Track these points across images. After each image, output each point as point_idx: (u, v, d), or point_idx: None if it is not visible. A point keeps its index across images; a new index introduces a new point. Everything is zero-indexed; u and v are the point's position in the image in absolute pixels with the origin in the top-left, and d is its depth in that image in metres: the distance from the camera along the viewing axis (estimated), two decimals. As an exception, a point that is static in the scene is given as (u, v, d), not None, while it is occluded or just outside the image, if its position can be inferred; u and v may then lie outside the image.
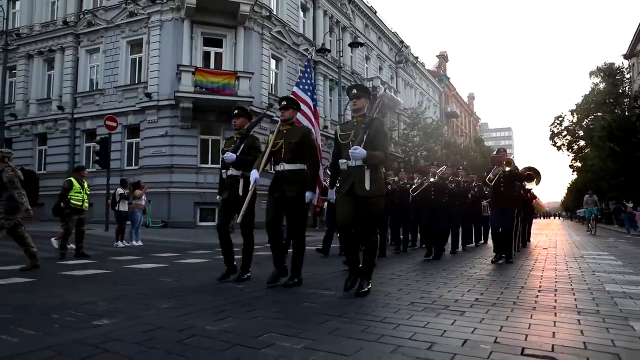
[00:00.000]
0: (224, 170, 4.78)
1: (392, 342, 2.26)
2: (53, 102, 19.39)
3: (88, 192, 7.67)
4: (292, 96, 5.04)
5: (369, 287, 3.87)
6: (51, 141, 19.52)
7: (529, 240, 11.44)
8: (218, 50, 17.66)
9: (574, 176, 46.85)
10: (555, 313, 3.06)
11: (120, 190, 9.83)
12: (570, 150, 40.69)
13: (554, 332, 2.55)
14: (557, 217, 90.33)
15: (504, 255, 6.62)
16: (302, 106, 5.68)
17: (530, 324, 2.75)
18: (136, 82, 17.84)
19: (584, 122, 37.52)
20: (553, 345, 2.29)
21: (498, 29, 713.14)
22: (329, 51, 20.67)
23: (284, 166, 4.31)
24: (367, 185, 3.77)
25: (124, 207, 9.71)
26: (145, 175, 15.72)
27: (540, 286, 4.35)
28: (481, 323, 2.73)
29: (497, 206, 6.83)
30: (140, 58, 17.95)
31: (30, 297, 3.53)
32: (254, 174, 4.28)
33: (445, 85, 47.38)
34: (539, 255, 8.22)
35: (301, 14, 22.38)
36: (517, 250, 7.97)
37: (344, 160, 3.91)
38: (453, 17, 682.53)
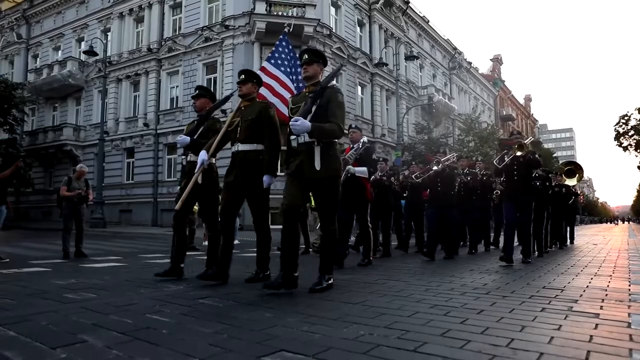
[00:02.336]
0: (183, 157, 4.55)
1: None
2: (139, 119, 21.80)
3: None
4: (251, 70, 4.43)
5: (329, 282, 3.48)
6: (138, 154, 21.93)
7: (572, 242, 10.75)
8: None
9: (643, 178, 44.47)
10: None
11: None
12: (638, 150, 38.97)
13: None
14: (625, 222, 80.00)
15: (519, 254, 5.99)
16: (270, 81, 5.31)
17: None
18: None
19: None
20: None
21: (556, 28, 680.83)
22: (386, 64, 21.75)
23: (239, 147, 3.86)
24: (317, 164, 3.34)
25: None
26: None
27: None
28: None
29: (509, 198, 6.02)
30: (215, 78, 19.88)
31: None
32: (202, 156, 3.89)
33: (500, 88, 46.86)
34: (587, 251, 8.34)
35: (358, 29, 23.66)
36: (546, 250, 7.59)
37: (294, 137, 3.46)
38: (508, 19, 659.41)
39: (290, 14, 18.60)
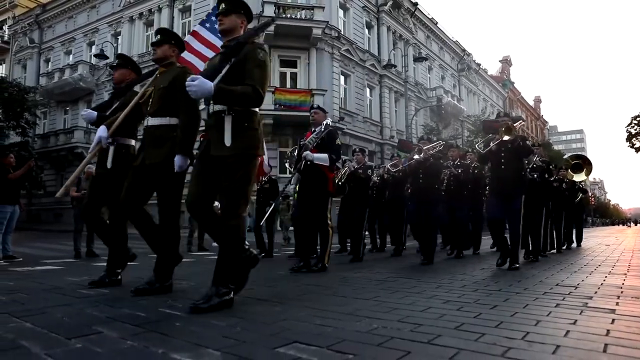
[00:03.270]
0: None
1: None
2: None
3: None
4: (168, 29, 3.85)
5: (225, 298, 2.58)
6: (148, 157, 22.06)
7: (579, 245, 9.68)
8: (293, 70, 19.33)
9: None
10: None
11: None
12: (650, 151, 38.46)
13: None
14: (639, 224, 79.46)
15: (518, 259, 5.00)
16: (201, 47, 4.62)
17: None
18: (221, 102, 19.90)
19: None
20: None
21: (566, 28, 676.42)
22: (395, 66, 21.74)
23: (149, 121, 3.20)
24: (227, 140, 2.58)
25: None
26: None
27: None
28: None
29: (494, 190, 5.26)
30: (224, 81, 19.99)
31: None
32: (100, 132, 3.28)
33: (509, 89, 46.60)
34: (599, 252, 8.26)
35: (366, 31, 23.67)
36: (544, 253, 6.79)
37: (203, 107, 2.80)
38: (517, 20, 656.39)
39: (298, 16, 18.69)
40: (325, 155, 4.74)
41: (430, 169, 5.75)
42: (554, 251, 7.80)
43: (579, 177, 6.01)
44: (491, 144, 5.11)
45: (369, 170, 6.80)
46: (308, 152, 4.72)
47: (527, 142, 5.44)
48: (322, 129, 4.85)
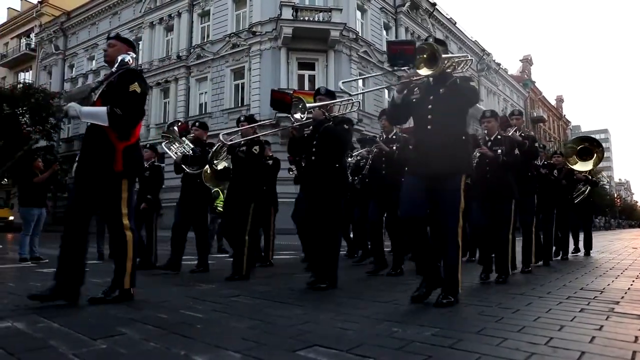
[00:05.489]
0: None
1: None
2: (169, 126, 22.36)
3: None
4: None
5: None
6: (168, 159, 22.38)
7: (588, 254, 7.63)
8: (311, 73, 19.37)
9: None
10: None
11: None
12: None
13: None
14: None
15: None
16: None
17: None
18: (240, 105, 20.06)
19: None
20: None
21: (588, 25, 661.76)
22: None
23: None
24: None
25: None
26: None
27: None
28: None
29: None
30: (242, 84, 20.18)
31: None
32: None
33: (530, 89, 45.79)
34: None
35: (384, 32, 23.56)
36: (534, 262, 5.19)
37: None
38: (537, 18, 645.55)
39: (316, 19, 18.73)
40: (99, 110, 2.87)
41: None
42: (540, 263, 5.67)
43: (583, 166, 4.66)
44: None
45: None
46: (73, 103, 3.00)
47: (521, 134, 4.59)
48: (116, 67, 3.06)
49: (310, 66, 19.44)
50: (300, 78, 19.32)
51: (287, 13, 18.21)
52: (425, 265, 3.01)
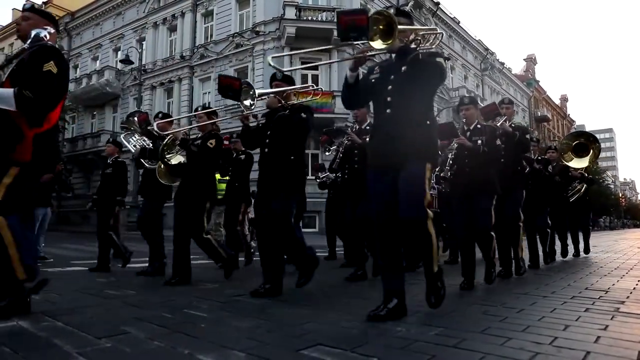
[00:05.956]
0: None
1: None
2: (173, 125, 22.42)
3: None
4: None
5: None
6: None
7: (587, 253, 7.50)
8: (314, 72, 19.37)
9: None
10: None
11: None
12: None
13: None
14: None
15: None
16: None
17: None
18: (243, 105, 20.09)
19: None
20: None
21: (592, 24, 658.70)
22: (416, 65, 21.57)
23: None
24: None
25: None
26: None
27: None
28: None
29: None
30: (246, 84, 20.21)
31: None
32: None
33: (534, 88, 45.62)
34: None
35: (387, 31, 23.55)
36: (520, 264, 4.57)
37: None
38: (542, 17, 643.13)
39: (319, 19, 18.73)
40: (4, 92, 2.45)
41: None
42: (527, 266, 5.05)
43: (578, 163, 4.40)
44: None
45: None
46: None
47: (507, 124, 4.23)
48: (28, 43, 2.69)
49: (313, 66, 19.43)
50: (304, 77, 19.29)
51: (291, 13, 18.22)
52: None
